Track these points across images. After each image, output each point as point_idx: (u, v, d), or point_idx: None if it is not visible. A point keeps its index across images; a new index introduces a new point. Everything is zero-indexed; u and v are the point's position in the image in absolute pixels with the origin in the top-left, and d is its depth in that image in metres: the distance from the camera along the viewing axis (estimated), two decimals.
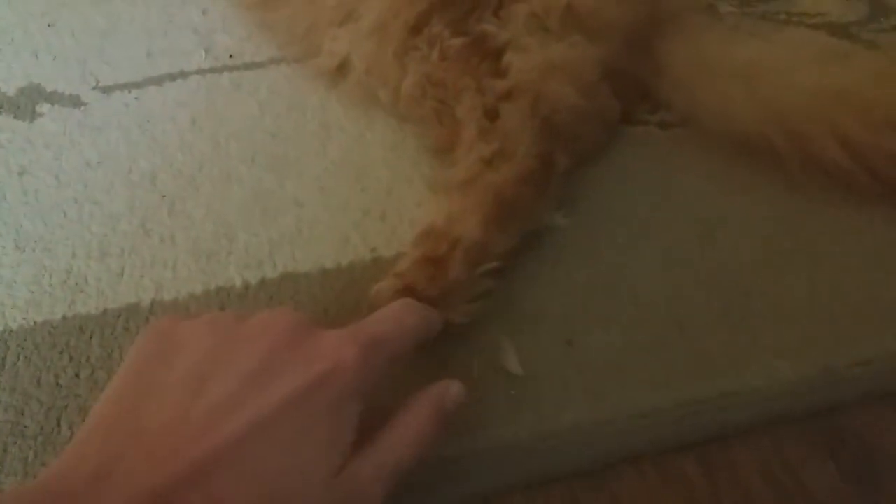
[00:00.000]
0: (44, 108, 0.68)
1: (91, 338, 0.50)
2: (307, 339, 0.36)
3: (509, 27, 0.60)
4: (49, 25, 0.78)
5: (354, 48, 0.64)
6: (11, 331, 0.50)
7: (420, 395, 0.39)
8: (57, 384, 0.48)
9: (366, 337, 0.37)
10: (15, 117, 0.67)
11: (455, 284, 0.49)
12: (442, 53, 0.59)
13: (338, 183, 0.61)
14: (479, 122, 0.56)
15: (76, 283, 0.53)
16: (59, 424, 0.46)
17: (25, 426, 0.46)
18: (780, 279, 0.55)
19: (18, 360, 0.49)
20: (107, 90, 0.70)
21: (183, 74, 0.71)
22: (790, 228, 0.59)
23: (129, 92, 0.70)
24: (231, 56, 0.73)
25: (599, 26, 0.61)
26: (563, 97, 0.58)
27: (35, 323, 0.51)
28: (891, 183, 0.58)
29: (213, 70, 0.72)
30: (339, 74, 0.67)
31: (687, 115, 0.65)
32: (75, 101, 0.69)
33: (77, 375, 0.48)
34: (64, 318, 0.51)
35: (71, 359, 0.49)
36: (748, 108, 0.60)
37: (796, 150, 0.60)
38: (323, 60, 0.68)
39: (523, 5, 0.61)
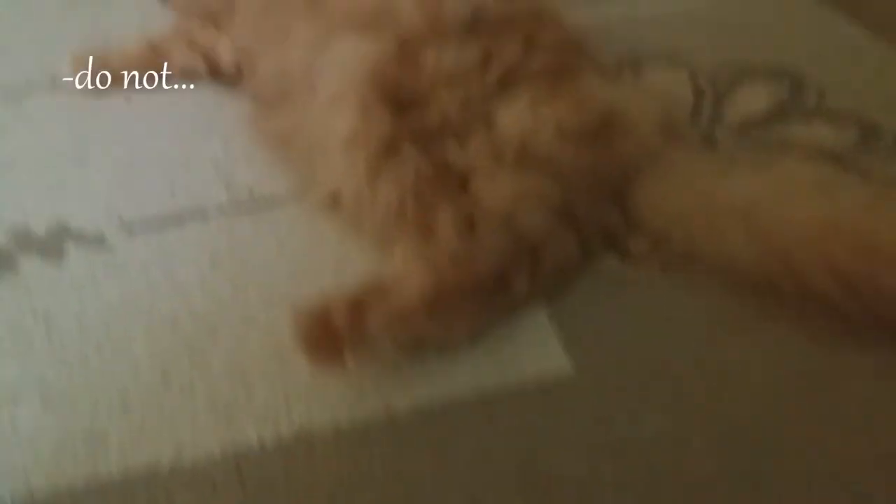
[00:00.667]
0: (70, 247, 0.71)
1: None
2: None
3: (470, 154, 0.64)
4: (77, 161, 0.82)
5: (338, 176, 0.68)
6: (35, 500, 0.51)
7: None
8: None
9: None
10: (42, 258, 0.70)
11: (362, 336, 0.54)
12: (416, 172, 0.63)
13: None
14: (458, 227, 0.61)
15: (98, 441, 0.55)
16: None
17: None
18: (790, 435, 0.55)
19: None
20: (130, 229, 0.73)
21: (203, 212, 0.74)
22: (797, 375, 0.60)
23: (152, 231, 0.73)
24: (250, 192, 0.76)
25: (553, 166, 0.64)
26: (532, 221, 0.62)
27: (58, 489, 0.52)
28: (879, 314, 0.58)
29: (233, 207, 0.75)
30: (335, 206, 0.70)
31: (686, 252, 0.67)
32: (100, 240, 0.72)
33: None
34: (87, 484, 0.52)
35: None
36: (745, 244, 0.62)
37: (793, 284, 0.61)
38: (318, 191, 0.71)
39: (482, 136, 0.65)
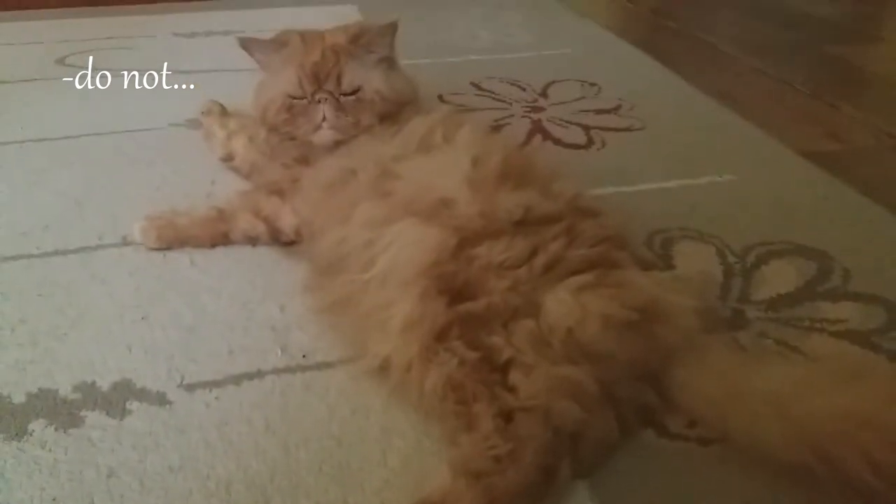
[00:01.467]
0: (133, 405, 0.75)
1: None
2: None
3: (514, 340, 0.69)
4: (143, 318, 0.88)
5: (391, 348, 0.73)
6: None
7: None
8: None
9: None
10: (107, 414, 0.74)
11: None
12: (460, 362, 0.68)
13: (396, 497, 0.65)
14: (496, 421, 0.64)
15: None
16: None
17: None
18: None
19: None
20: (190, 388, 0.77)
21: (260, 374, 0.79)
22: None
23: (211, 391, 0.77)
24: (304, 356, 0.81)
25: (598, 354, 0.68)
26: (569, 412, 0.65)
27: None
28: None
29: (287, 370, 0.79)
30: (383, 374, 0.75)
31: (721, 435, 0.70)
32: (161, 400, 0.76)
33: None
34: None
35: None
36: (779, 432, 0.64)
37: (832, 474, 0.63)
38: (368, 360, 0.76)
39: (528, 322, 0.69)
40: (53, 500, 0.65)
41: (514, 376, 0.67)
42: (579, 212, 0.80)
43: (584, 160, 1.26)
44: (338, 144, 0.99)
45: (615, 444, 0.69)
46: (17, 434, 0.72)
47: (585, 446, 0.66)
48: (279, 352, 0.82)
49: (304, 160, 0.99)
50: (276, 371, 0.79)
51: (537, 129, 1.37)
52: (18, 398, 0.76)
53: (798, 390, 0.66)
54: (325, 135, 0.99)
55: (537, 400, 0.65)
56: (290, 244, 0.99)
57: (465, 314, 0.70)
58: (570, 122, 1.40)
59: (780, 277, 0.95)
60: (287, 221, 0.97)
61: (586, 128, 1.37)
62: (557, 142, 1.33)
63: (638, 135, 1.36)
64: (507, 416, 0.65)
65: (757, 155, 1.29)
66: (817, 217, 1.09)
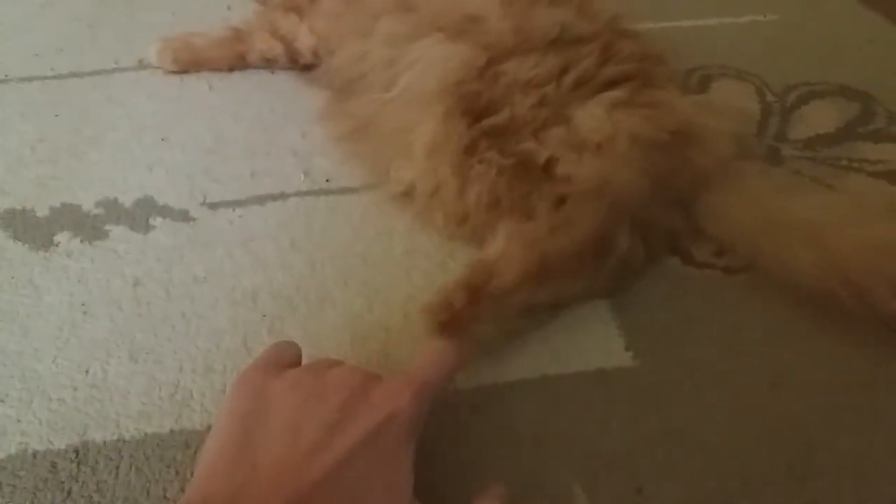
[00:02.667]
0: (156, 221, 0.75)
1: (196, 453, 0.54)
2: (371, 391, 0.46)
3: (548, 145, 0.67)
4: (162, 140, 0.86)
5: (416, 173, 0.71)
6: (125, 441, 0.55)
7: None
8: (164, 497, 0.52)
9: (416, 384, 0.48)
10: (131, 228, 0.74)
11: (482, 311, 0.58)
12: (499, 170, 0.67)
13: None
14: (550, 207, 0.65)
15: (182, 398, 0.59)
16: None
17: None
18: (843, 436, 0.57)
19: (131, 470, 0.54)
20: (213, 206, 0.77)
21: (283, 196, 0.78)
22: (854, 383, 0.61)
23: (234, 210, 0.76)
24: (328, 180, 0.80)
25: (628, 164, 0.66)
26: (629, 188, 0.65)
27: (146, 434, 0.56)
28: None
29: (311, 193, 0.78)
30: (407, 199, 0.74)
31: (751, 263, 0.69)
32: (185, 216, 0.76)
33: (182, 490, 0.52)
34: (171, 431, 0.56)
35: (177, 473, 0.54)
36: (811, 262, 0.63)
37: (859, 304, 0.62)
38: (391, 187, 0.75)
39: (559, 129, 0.67)
40: (83, 304, 0.66)
41: (563, 167, 0.65)
42: (617, 32, 0.76)
43: None
44: None
45: (639, 268, 0.68)
46: (43, 244, 0.72)
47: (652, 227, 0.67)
48: (302, 176, 0.81)
49: None
50: (300, 194, 0.78)
51: None
52: (42, 211, 0.76)
53: (833, 220, 0.64)
54: None
55: (596, 179, 0.64)
56: (308, 68, 0.95)
57: (489, 128, 0.68)
58: None
59: (819, 117, 0.92)
60: (304, 41, 0.93)
61: None
62: None
63: None
64: (561, 202, 0.65)
65: None
66: (864, 59, 1.04)
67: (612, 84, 0.69)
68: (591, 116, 0.67)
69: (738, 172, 0.70)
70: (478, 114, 0.69)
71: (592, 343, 0.63)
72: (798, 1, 1.18)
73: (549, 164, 0.66)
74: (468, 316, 0.59)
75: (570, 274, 0.63)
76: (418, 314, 0.60)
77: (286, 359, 0.52)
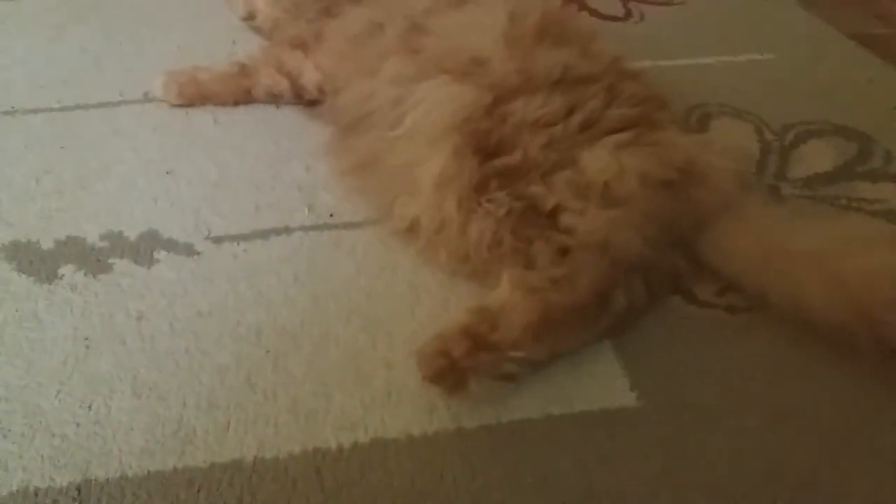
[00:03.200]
0: (161, 254, 0.75)
1: (199, 492, 0.54)
2: None
3: (556, 190, 0.68)
4: (167, 173, 0.87)
5: (421, 209, 0.72)
6: (128, 478, 0.55)
7: None
8: None
9: None
10: (135, 262, 0.74)
11: (482, 362, 0.59)
12: (507, 211, 0.67)
13: None
14: (553, 256, 0.65)
15: (186, 435, 0.58)
16: None
17: None
18: (845, 478, 0.57)
19: None
20: (218, 240, 0.77)
21: (287, 230, 0.79)
22: (856, 423, 0.61)
23: (238, 244, 0.77)
24: (331, 215, 0.80)
25: (634, 209, 0.67)
26: (629, 243, 0.65)
27: (148, 472, 0.56)
28: None
29: (315, 227, 0.79)
30: (411, 235, 0.75)
31: (757, 298, 0.69)
32: (189, 250, 0.76)
33: None
34: (174, 469, 0.56)
35: None
36: (821, 292, 0.63)
37: (868, 333, 0.62)
38: (395, 223, 0.76)
39: (567, 172, 0.68)
40: (86, 338, 0.66)
41: (567, 218, 0.67)
42: (620, 73, 0.77)
43: (622, 33, 1.21)
44: None
45: (642, 308, 0.69)
46: (47, 277, 0.72)
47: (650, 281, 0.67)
48: (306, 210, 0.81)
49: (329, 11, 0.95)
50: (304, 228, 0.79)
51: None
52: (47, 244, 0.76)
53: (841, 247, 0.65)
54: None
55: (597, 235, 0.65)
56: (313, 103, 0.96)
57: (501, 168, 0.69)
58: None
59: (818, 156, 0.93)
60: (310, 77, 0.94)
61: (624, 0, 1.31)
62: (594, 13, 1.27)
63: (678, 9, 1.30)
64: (563, 253, 0.66)
65: (801, 34, 1.23)
66: (861, 99, 1.05)
67: (617, 129, 0.70)
68: (597, 158, 0.68)
69: (741, 205, 0.71)
70: (489, 152, 0.70)
71: (597, 383, 0.63)
72: (795, 40, 1.21)
73: (555, 211, 0.67)
74: (467, 366, 0.59)
75: (571, 328, 0.63)
76: (414, 358, 0.61)
77: None
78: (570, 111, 0.71)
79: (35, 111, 0.97)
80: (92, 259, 0.75)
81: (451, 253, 0.70)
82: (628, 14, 1.26)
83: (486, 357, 0.60)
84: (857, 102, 1.04)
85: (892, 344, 0.60)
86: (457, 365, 0.59)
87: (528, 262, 0.65)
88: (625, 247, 0.64)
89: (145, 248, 0.76)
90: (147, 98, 1.00)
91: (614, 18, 1.26)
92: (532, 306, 0.62)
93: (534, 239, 0.66)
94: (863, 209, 0.85)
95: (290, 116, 0.97)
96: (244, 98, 0.98)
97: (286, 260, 0.75)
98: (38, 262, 0.74)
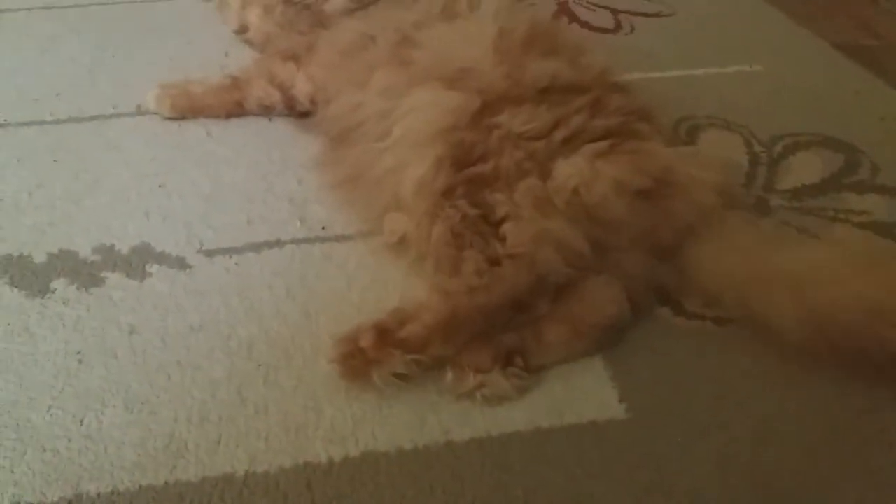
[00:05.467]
0: (153, 268, 0.76)
1: None
2: None
3: (515, 198, 0.69)
4: (160, 186, 0.87)
5: (408, 224, 0.73)
6: (119, 493, 0.55)
7: None
8: None
9: None
10: (127, 276, 0.75)
11: (384, 357, 0.62)
12: (462, 216, 0.69)
13: None
14: (479, 266, 0.67)
15: (177, 449, 0.59)
16: None
17: None
18: (831, 491, 0.57)
19: None
20: (210, 254, 0.77)
21: (280, 243, 0.79)
22: (841, 433, 0.62)
23: (230, 257, 0.77)
24: (323, 228, 0.81)
25: (605, 219, 0.68)
26: (551, 262, 0.66)
27: (140, 487, 0.56)
28: None
29: (307, 240, 0.79)
30: (402, 249, 0.75)
31: (738, 315, 0.70)
32: (181, 264, 0.76)
33: None
34: (166, 483, 0.56)
35: None
36: (794, 316, 0.64)
37: (840, 357, 0.63)
38: (386, 237, 0.76)
39: (533, 180, 0.69)
40: (78, 353, 0.66)
41: (506, 227, 0.68)
42: (607, 85, 0.78)
43: (612, 45, 1.22)
44: (352, 9, 0.95)
45: (627, 321, 0.69)
46: (39, 291, 0.73)
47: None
48: (298, 223, 0.82)
49: (321, 24, 0.96)
50: (296, 241, 0.79)
51: (563, 11, 1.32)
52: (39, 258, 0.76)
53: (818, 275, 0.65)
54: (338, 1, 0.95)
55: (522, 248, 0.66)
56: (305, 115, 0.97)
57: (472, 176, 0.70)
58: (598, 6, 1.34)
59: (806, 168, 0.94)
60: (302, 88, 0.94)
61: (615, 12, 1.32)
62: (584, 25, 1.28)
63: (667, 21, 1.31)
64: (494, 262, 0.67)
65: (789, 46, 1.25)
66: (848, 111, 1.07)
67: (597, 139, 0.71)
68: (570, 164, 0.68)
69: (722, 223, 0.71)
70: (469, 164, 0.71)
71: (586, 395, 0.64)
72: (783, 52, 1.22)
73: (503, 220, 0.68)
74: (371, 357, 0.62)
75: (477, 330, 0.65)
76: (327, 341, 0.64)
77: None
78: (556, 125, 0.71)
79: (28, 124, 0.98)
80: (84, 273, 0.75)
81: (420, 254, 0.72)
82: (618, 26, 1.28)
83: (388, 352, 0.62)
84: (845, 114, 1.05)
85: (864, 367, 0.62)
86: (363, 355, 0.62)
87: (455, 269, 0.67)
88: (548, 264, 0.66)
89: (137, 262, 0.76)
90: (140, 111, 1.00)
91: (605, 30, 1.27)
92: (441, 308, 0.64)
93: (466, 247, 0.67)
94: (850, 220, 0.86)
95: (282, 129, 0.98)
96: (236, 111, 0.98)
97: (278, 273, 0.75)
98: (31, 276, 0.74)
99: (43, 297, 0.72)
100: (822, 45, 1.24)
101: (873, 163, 0.94)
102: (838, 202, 0.88)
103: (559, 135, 0.71)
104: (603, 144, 0.71)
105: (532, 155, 0.70)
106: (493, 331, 0.65)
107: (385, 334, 0.63)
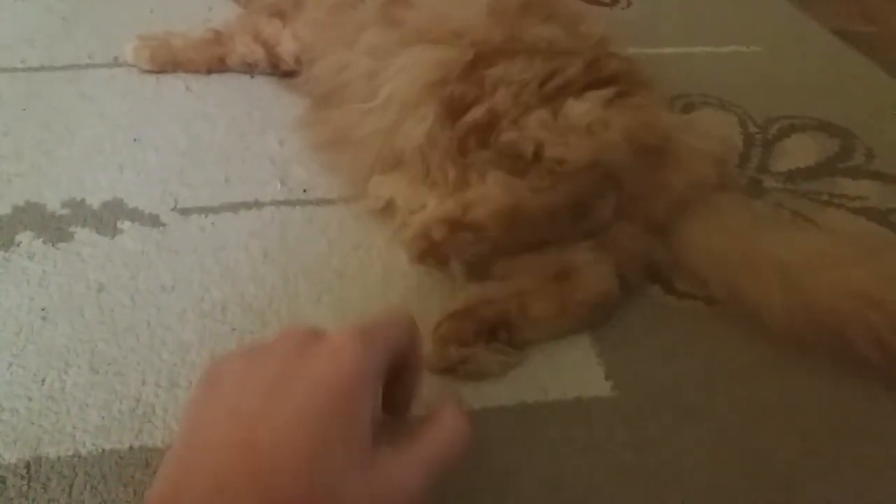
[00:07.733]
0: (124, 225, 0.72)
1: (155, 472, 0.52)
2: (313, 347, 0.42)
3: (529, 133, 0.65)
4: (135, 140, 0.83)
5: (393, 190, 0.71)
6: (81, 456, 0.52)
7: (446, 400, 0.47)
8: None
9: (362, 333, 0.43)
10: (97, 232, 0.71)
11: (459, 241, 0.63)
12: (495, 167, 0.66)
13: None
14: (539, 175, 0.64)
15: (144, 413, 0.56)
16: None
17: None
18: (821, 476, 0.56)
19: (86, 488, 0.51)
20: (185, 212, 0.74)
21: (258, 204, 0.76)
22: (833, 418, 0.60)
23: (206, 216, 0.74)
24: (305, 190, 0.78)
25: (613, 164, 0.65)
26: (620, 157, 0.64)
27: (103, 451, 0.53)
28: None
29: (287, 202, 0.76)
30: (386, 215, 0.72)
31: (725, 297, 0.68)
32: (154, 221, 0.73)
33: None
34: (131, 448, 0.53)
35: (135, 492, 0.51)
36: (783, 303, 0.62)
37: (831, 345, 0.61)
38: (370, 202, 0.73)
39: (542, 112, 0.66)
40: (43, 309, 0.63)
41: (553, 151, 0.64)
42: (606, 54, 0.75)
43: (608, 18, 1.19)
44: None
45: (617, 300, 0.67)
46: (3, 244, 0.69)
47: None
48: (279, 184, 0.79)
49: None
50: (276, 203, 0.76)
51: None
52: (4, 209, 0.73)
53: (810, 261, 0.63)
54: None
55: (587, 158, 0.63)
56: (289, 74, 0.93)
57: (472, 125, 0.66)
58: None
59: (801, 151, 0.92)
60: (286, 47, 0.91)
61: None
62: None
63: None
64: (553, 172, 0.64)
65: (786, 29, 1.23)
66: (845, 95, 1.05)
67: (598, 86, 0.68)
68: (581, 105, 0.65)
69: (716, 204, 0.69)
70: (462, 113, 0.68)
71: (572, 371, 0.62)
72: (780, 34, 1.20)
73: (538, 152, 0.64)
74: (446, 247, 0.62)
75: (540, 231, 0.64)
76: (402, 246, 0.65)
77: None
78: (551, 75, 0.68)
79: None
80: (52, 227, 0.71)
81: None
82: (615, 0, 1.25)
83: (462, 236, 0.62)
84: (841, 99, 1.03)
85: (853, 355, 0.59)
86: (438, 247, 0.62)
87: (515, 170, 0.64)
88: (615, 164, 0.64)
89: (108, 218, 0.73)
90: (117, 62, 0.96)
91: (601, 3, 1.24)
92: (505, 198, 0.63)
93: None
94: (844, 206, 0.84)
95: (264, 87, 0.94)
96: (218, 66, 0.94)
97: (256, 235, 0.72)
98: None
99: (6, 251, 0.68)
100: (820, 30, 1.22)
101: (868, 148, 0.93)
102: (832, 186, 0.87)
103: (554, 83, 0.68)
104: (608, 91, 0.68)
105: (532, 93, 0.67)
106: (552, 240, 0.65)
107: (453, 223, 0.63)
